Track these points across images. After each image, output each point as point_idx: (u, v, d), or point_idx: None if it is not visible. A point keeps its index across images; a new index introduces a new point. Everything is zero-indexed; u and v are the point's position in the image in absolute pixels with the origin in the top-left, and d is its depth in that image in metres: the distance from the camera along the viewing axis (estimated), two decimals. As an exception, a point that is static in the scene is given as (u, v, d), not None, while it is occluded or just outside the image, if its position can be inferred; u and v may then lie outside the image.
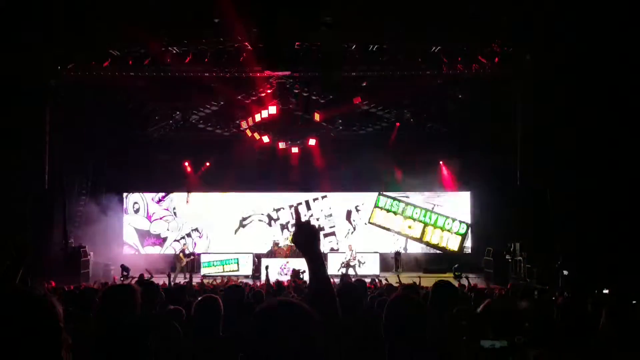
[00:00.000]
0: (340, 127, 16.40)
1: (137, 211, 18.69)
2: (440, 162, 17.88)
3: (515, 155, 14.77)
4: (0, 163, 13.32)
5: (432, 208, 18.37)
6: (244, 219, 18.37)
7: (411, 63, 13.80)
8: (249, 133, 16.02)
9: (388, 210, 18.46)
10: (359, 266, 16.29)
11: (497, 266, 15.51)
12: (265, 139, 16.62)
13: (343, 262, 16.06)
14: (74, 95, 14.49)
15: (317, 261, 2.00)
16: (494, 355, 2.45)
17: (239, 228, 18.47)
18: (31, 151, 14.11)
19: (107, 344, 2.80)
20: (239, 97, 15.41)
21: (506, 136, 15.00)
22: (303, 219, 2.04)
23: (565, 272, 13.39)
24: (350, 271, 15.75)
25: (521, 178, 14.98)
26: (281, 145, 16.99)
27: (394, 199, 18.27)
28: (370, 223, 18.51)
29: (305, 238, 2.02)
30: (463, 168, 17.57)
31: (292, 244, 16.47)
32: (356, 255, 16.25)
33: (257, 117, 15.46)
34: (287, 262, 15.72)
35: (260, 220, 18.58)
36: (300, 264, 15.33)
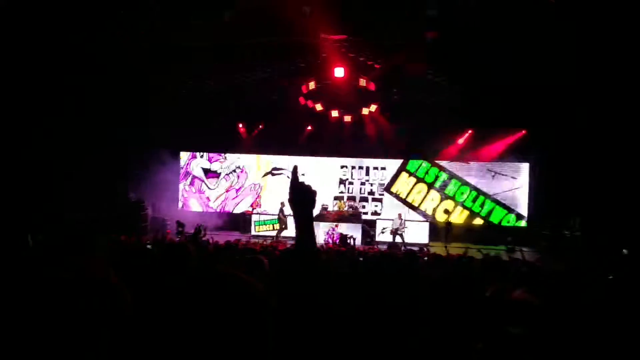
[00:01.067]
0: (395, 96, 16.00)
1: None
2: (501, 133, 17.18)
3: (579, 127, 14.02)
4: (69, 124, 14.04)
5: (493, 176, 17.86)
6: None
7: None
8: (302, 101, 15.98)
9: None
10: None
11: (553, 241, 15.01)
12: (319, 106, 16.58)
13: (391, 229, 16.00)
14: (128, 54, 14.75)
15: (305, 224, 1.92)
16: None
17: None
18: (98, 114, 14.70)
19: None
20: (292, 67, 15.27)
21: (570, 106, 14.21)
22: (312, 183, 1.96)
23: (625, 251, 12.83)
24: (398, 239, 15.74)
25: (586, 148, 14.28)
26: (334, 113, 16.83)
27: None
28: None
29: (301, 199, 1.96)
30: (522, 137, 16.87)
31: (341, 209, 16.58)
32: (405, 223, 16.13)
33: (312, 85, 15.31)
34: (336, 226, 15.85)
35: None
36: (349, 229, 15.49)
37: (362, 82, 15.18)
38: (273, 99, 16.60)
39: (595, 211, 14.33)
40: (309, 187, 1.99)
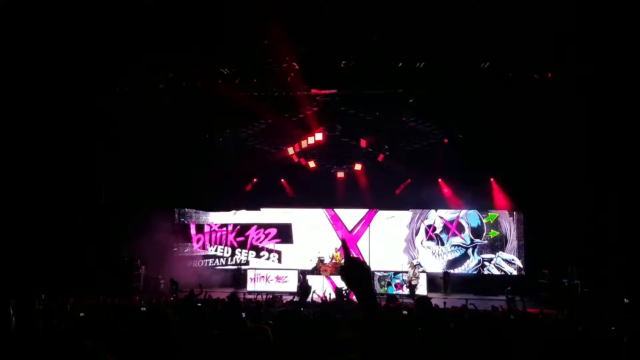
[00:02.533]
0: (387, 152, 16.40)
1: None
2: (491, 180, 17.35)
3: (571, 172, 14.22)
4: (58, 176, 14.13)
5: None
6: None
7: (460, 78, 13.59)
8: (296, 158, 16.39)
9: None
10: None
11: (553, 289, 14.81)
12: (312, 164, 16.87)
13: (405, 281, 15.81)
14: (129, 113, 15.15)
15: (370, 300, 1.90)
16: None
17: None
18: (88, 166, 14.85)
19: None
20: (286, 116, 15.68)
21: (561, 153, 14.49)
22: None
23: (626, 300, 12.63)
24: (415, 290, 15.55)
25: (578, 197, 14.38)
26: (311, 164, 17.32)
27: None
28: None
29: (355, 275, 1.94)
30: (515, 186, 17.01)
31: (337, 262, 16.39)
32: (419, 274, 15.97)
33: (304, 144, 15.81)
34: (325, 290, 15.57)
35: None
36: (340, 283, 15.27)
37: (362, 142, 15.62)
38: (269, 154, 16.91)
39: (591, 259, 14.23)
40: (363, 263, 1.99)
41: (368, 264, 1.77)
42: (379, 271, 16.50)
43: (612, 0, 10.45)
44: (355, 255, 1.99)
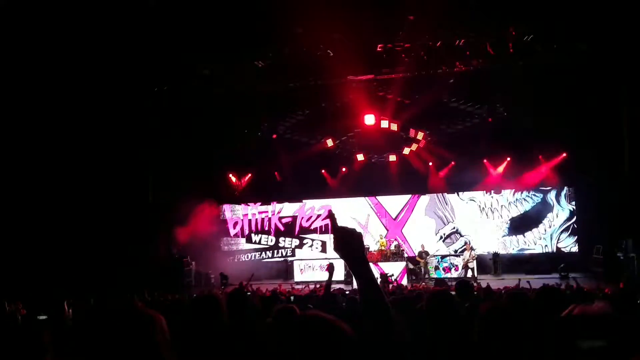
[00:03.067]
0: (429, 137, 16.16)
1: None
2: (539, 157, 16.86)
3: (621, 145, 13.69)
4: (111, 180, 14.47)
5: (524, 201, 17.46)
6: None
7: (502, 55, 13.17)
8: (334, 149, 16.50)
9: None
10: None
11: (608, 265, 14.37)
12: (360, 157, 16.96)
13: (462, 264, 15.68)
14: (169, 113, 15.37)
15: (360, 269, 1.81)
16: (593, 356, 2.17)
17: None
18: (138, 168, 15.17)
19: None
20: (323, 105, 15.57)
21: (608, 126, 14.01)
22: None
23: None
24: (469, 273, 15.37)
25: (630, 166, 13.86)
26: (360, 157, 17.31)
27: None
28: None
29: (346, 244, 1.83)
30: (565, 162, 16.50)
31: (383, 249, 16.31)
32: (475, 255, 15.77)
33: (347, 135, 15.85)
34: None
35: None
36: (390, 267, 15.20)
37: (393, 125, 15.38)
38: (308, 145, 16.88)
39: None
40: (352, 230, 1.86)
41: (358, 232, 1.61)
42: (425, 255, 16.37)
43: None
44: (342, 225, 1.85)
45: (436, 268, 16.03)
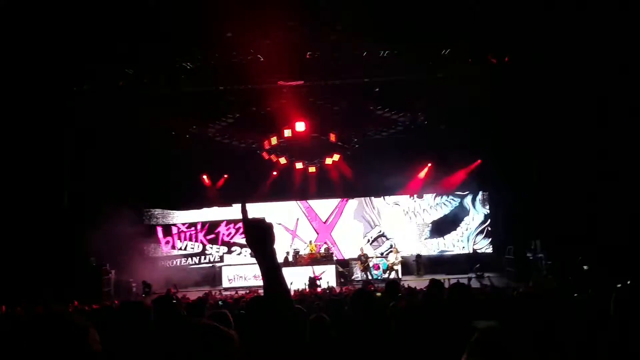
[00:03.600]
0: (356, 145, 16.68)
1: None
2: (457, 163, 17.91)
3: (533, 153, 14.86)
4: (21, 183, 13.58)
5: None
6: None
7: (422, 66, 13.93)
8: (266, 155, 16.48)
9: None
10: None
11: (519, 265, 15.46)
12: (283, 160, 17.09)
13: (380, 266, 16.15)
14: (91, 115, 14.73)
15: (269, 262, 1.77)
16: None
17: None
18: (51, 171, 14.35)
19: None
20: (253, 109, 15.61)
21: (520, 133, 15.15)
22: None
23: (586, 267, 13.36)
24: (392, 274, 15.88)
25: (538, 173, 15.05)
26: (298, 165, 17.49)
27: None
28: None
29: (257, 236, 1.80)
30: (478, 167, 17.61)
31: (313, 252, 16.55)
32: (400, 258, 16.34)
33: (274, 140, 15.88)
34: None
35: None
36: (320, 270, 15.47)
37: (323, 133, 15.75)
38: (238, 149, 16.79)
39: (554, 233, 14.90)
40: (261, 221, 1.82)
41: (268, 223, 1.81)
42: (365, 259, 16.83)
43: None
44: (253, 217, 1.82)
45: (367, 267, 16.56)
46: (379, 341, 3.24)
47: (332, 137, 16.07)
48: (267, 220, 1.84)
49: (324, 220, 18.74)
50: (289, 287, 1.83)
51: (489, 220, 18.33)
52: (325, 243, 17.81)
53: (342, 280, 16.11)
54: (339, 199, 18.74)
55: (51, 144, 14.25)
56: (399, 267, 16.14)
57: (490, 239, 18.29)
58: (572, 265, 13.62)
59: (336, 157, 17.28)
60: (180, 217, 19.02)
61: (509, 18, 12.05)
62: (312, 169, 17.65)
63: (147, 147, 16.04)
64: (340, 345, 3.32)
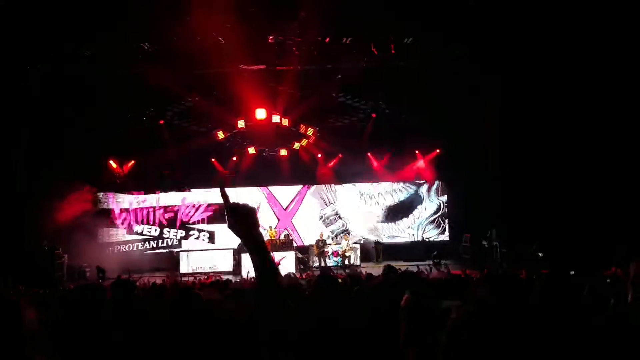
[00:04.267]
0: (318, 133, 16.70)
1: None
2: (417, 152, 18.15)
3: (487, 142, 15.19)
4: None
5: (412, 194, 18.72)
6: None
7: (384, 55, 13.98)
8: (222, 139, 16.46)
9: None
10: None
11: (474, 252, 15.85)
12: (252, 150, 17.10)
13: (339, 252, 16.23)
14: (45, 94, 14.20)
15: (256, 243, 1.81)
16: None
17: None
18: (4, 152, 13.80)
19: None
20: (214, 94, 15.36)
21: (477, 124, 15.45)
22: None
23: (541, 255, 13.80)
24: (346, 261, 16.01)
25: (493, 164, 15.41)
26: (251, 150, 17.50)
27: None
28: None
29: (240, 219, 1.81)
30: (437, 157, 17.89)
31: (273, 238, 16.53)
32: (353, 245, 16.45)
33: (240, 123, 15.70)
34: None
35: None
36: (280, 256, 15.47)
37: (283, 120, 15.66)
38: (197, 134, 16.54)
39: (509, 222, 15.32)
40: (245, 206, 1.83)
41: (251, 207, 1.84)
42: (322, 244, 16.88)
43: None
44: (235, 202, 1.82)
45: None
46: (345, 326, 3.26)
47: (302, 128, 16.03)
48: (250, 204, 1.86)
49: (284, 207, 18.72)
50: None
51: (444, 210, 18.68)
52: (286, 229, 17.82)
53: (302, 266, 16.17)
54: (301, 186, 18.73)
55: (4, 124, 13.67)
56: (351, 254, 16.32)
57: (440, 229, 18.66)
58: (527, 253, 14.11)
59: (304, 142, 17.29)
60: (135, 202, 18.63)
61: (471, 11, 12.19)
62: (283, 152, 17.61)
63: (104, 129, 15.57)
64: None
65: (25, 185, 14.84)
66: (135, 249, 18.25)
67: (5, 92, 13.33)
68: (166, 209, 18.50)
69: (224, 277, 13.09)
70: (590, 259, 10.76)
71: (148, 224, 18.49)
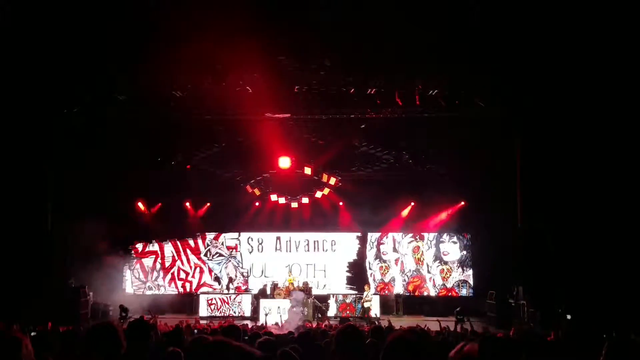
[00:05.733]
0: (340, 181, 16.79)
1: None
2: (440, 204, 17.89)
3: (516, 197, 14.84)
4: (4, 204, 13.61)
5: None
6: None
7: (409, 106, 14.08)
8: (257, 192, 16.91)
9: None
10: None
11: (500, 310, 15.24)
12: (274, 197, 17.37)
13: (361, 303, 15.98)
14: (79, 137, 14.88)
15: None
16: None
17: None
18: (34, 192, 14.40)
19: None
20: (239, 140, 15.76)
21: (505, 178, 15.15)
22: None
23: (569, 317, 13.17)
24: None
25: (522, 220, 14.97)
26: (281, 200, 17.69)
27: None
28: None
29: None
30: (462, 210, 17.55)
31: (291, 286, 16.39)
32: (371, 296, 16.14)
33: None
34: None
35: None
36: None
37: (307, 170, 15.87)
38: (223, 179, 16.87)
39: (537, 279, 14.74)
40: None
41: None
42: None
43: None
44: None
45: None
46: None
47: (310, 171, 16.17)
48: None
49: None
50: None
51: (467, 264, 18.15)
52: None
53: (319, 315, 15.89)
54: (324, 233, 18.65)
55: (35, 164, 14.34)
56: (369, 305, 15.92)
57: (468, 283, 18.07)
58: (554, 314, 13.47)
59: (326, 190, 17.37)
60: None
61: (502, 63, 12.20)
62: (294, 205, 17.71)
63: (128, 173, 16.12)
64: None
65: (56, 224, 15.34)
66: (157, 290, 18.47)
67: (34, 135, 14.01)
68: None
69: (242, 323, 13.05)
70: (621, 322, 10.26)
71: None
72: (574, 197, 13.62)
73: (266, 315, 14.33)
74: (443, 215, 17.95)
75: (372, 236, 18.57)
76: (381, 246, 18.53)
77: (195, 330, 9.74)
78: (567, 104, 12.90)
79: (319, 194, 17.27)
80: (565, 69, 12.00)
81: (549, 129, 13.65)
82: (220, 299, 16.87)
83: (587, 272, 13.13)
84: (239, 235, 18.57)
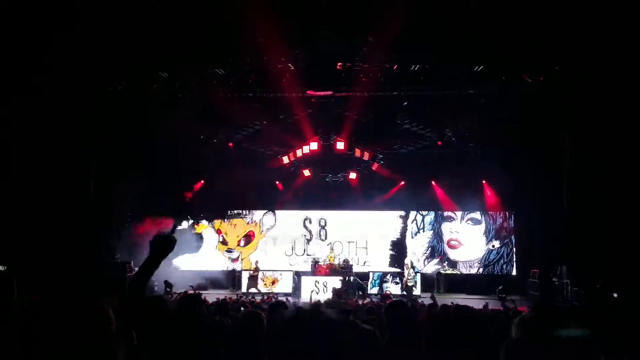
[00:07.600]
0: (381, 160, 16.62)
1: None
2: (483, 182, 17.60)
3: (563, 175, 14.50)
4: (48, 183, 13.96)
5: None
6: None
7: (453, 82, 13.79)
8: (288, 165, 16.96)
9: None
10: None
11: (543, 289, 15.06)
12: (307, 172, 17.24)
13: (403, 282, 16.00)
14: (124, 115, 15.11)
15: (152, 266, 2.39)
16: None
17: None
18: (79, 169, 14.73)
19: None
20: (281, 118, 15.75)
21: (552, 157, 14.80)
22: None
23: (615, 295, 12.93)
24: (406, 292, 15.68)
25: (569, 199, 14.65)
26: (306, 172, 17.70)
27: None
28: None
29: (160, 246, 2.37)
30: (507, 188, 17.23)
31: (332, 262, 16.48)
32: (413, 274, 16.10)
33: (299, 152, 16.00)
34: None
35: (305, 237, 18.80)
36: (339, 282, 15.37)
37: (347, 146, 15.78)
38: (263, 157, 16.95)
39: (581, 257, 14.47)
40: (171, 241, 2.38)
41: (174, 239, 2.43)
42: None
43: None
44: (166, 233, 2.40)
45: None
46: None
47: (357, 152, 16.07)
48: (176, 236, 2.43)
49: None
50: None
51: (511, 243, 17.89)
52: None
53: (360, 292, 15.96)
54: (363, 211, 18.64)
55: (78, 144, 14.62)
56: (413, 284, 15.89)
57: (511, 261, 17.85)
58: (599, 293, 13.23)
59: (353, 175, 17.42)
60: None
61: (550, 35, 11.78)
62: (352, 175, 17.70)
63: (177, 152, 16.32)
64: None
65: (99, 202, 15.70)
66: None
67: (82, 112, 14.25)
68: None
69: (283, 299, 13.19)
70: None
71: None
72: (622, 177, 13.24)
73: (311, 292, 14.46)
74: (487, 194, 17.68)
75: (416, 215, 18.49)
76: (424, 225, 18.44)
77: (242, 307, 9.88)
78: (619, 80, 12.43)
79: (360, 171, 17.14)
80: (618, 43, 11.52)
81: (600, 106, 13.18)
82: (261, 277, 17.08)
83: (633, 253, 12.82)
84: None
